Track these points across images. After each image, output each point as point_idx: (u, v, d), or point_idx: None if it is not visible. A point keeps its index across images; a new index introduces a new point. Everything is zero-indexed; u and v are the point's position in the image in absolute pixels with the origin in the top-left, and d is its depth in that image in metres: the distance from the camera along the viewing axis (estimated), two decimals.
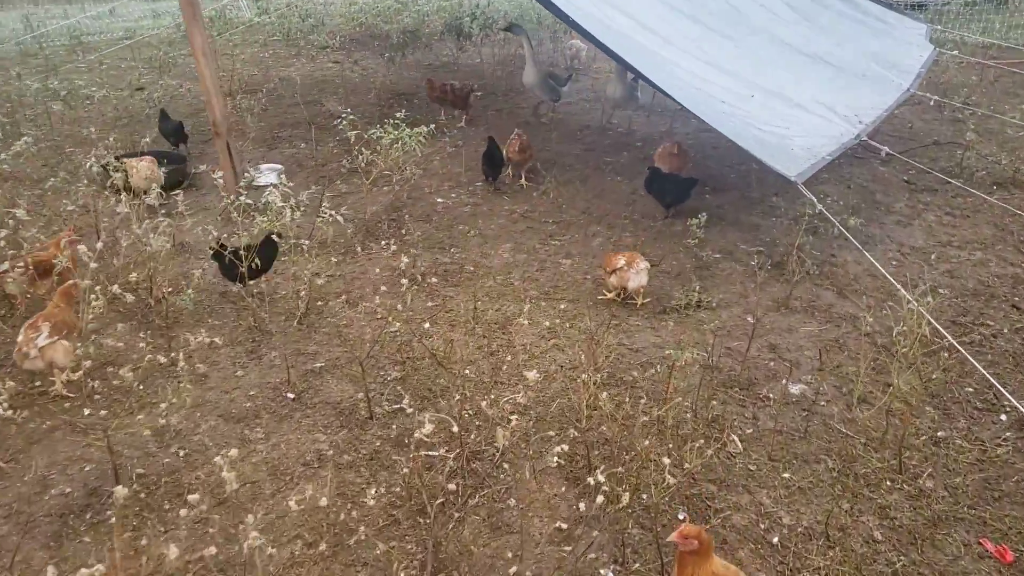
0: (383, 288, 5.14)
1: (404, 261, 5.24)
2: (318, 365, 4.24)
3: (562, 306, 5.06)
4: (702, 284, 5.40)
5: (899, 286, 4.22)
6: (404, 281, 4.33)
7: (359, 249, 5.69)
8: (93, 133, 7.22)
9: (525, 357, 4.43)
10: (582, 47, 11.46)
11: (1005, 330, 4.92)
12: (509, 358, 4.30)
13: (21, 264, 4.31)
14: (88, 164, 5.51)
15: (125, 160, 6.27)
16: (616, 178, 7.49)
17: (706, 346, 4.54)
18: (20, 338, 3.76)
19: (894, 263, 5.79)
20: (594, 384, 3.92)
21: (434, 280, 5.32)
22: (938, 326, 3.94)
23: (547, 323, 4.83)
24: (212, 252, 4.77)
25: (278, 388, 4.01)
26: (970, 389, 4.30)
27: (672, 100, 5.60)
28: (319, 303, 4.94)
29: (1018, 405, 3.89)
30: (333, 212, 4.43)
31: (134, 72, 10.78)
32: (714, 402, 4.08)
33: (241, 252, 4.38)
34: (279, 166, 7.17)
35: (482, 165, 7.07)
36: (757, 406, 4.08)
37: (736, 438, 3.55)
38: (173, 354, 4.15)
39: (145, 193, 6.17)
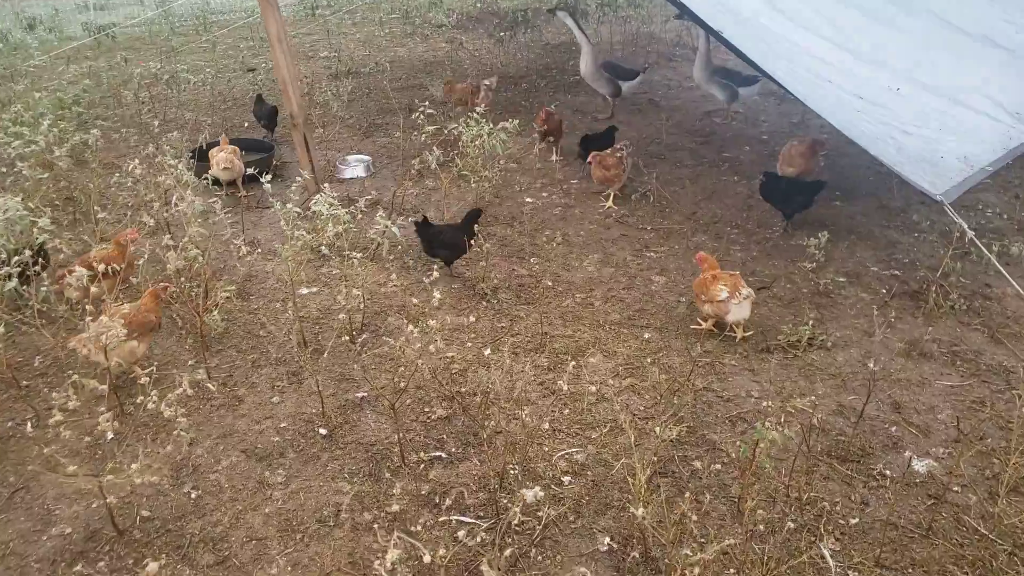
0: (448, 303, 4.72)
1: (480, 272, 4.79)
2: (360, 395, 3.88)
3: (646, 335, 4.43)
4: (818, 315, 4.59)
5: None
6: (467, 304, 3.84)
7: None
8: (185, 118, 7.24)
9: (593, 399, 3.86)
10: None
11: None
12: (574, 401, 3.76)
13: (81, 266, 4.23)
14: (155, 153, 5.31)
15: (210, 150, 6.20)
16: (733, 177, 6.67)
17: (813, 399, 3.79)
18: (91, 326, 3.50)
19: None
20: (668, 441, 3.34)
21: (506, 296, 4.83)
22: None
23: (625, 355, 4.23)
24: (415, 224, 4.80)
25: (312, 421, 3.68)
26: None
27: (794, 97, 4.77)
28: (378, 315, 4.59)
29: None
30: (389, 224, 4.02)
31: (250, 52, 10.91)
32: (814, 477, 3.36)
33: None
34: (367, 157, 6.89)
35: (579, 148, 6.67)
36: (869, 486, 3.31)
37: (827, 552, 2.84)
38: (209, 374, 3.94)
39: (226, 184, 6.13)
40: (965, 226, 3.99)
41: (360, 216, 4.28)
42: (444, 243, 4.87)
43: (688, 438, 3.59)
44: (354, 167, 6.70)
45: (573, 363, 3.98)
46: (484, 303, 4.74)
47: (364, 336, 4.39)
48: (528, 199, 6.26)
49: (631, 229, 5.78)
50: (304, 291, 4.84)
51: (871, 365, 4.05)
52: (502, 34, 10.92)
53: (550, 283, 4.98)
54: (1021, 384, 3.79)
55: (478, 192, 6.06)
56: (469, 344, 4.23)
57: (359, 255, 4.12)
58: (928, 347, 4.25)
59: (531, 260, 5.29)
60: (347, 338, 4.30)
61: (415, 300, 4.72)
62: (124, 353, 3.69)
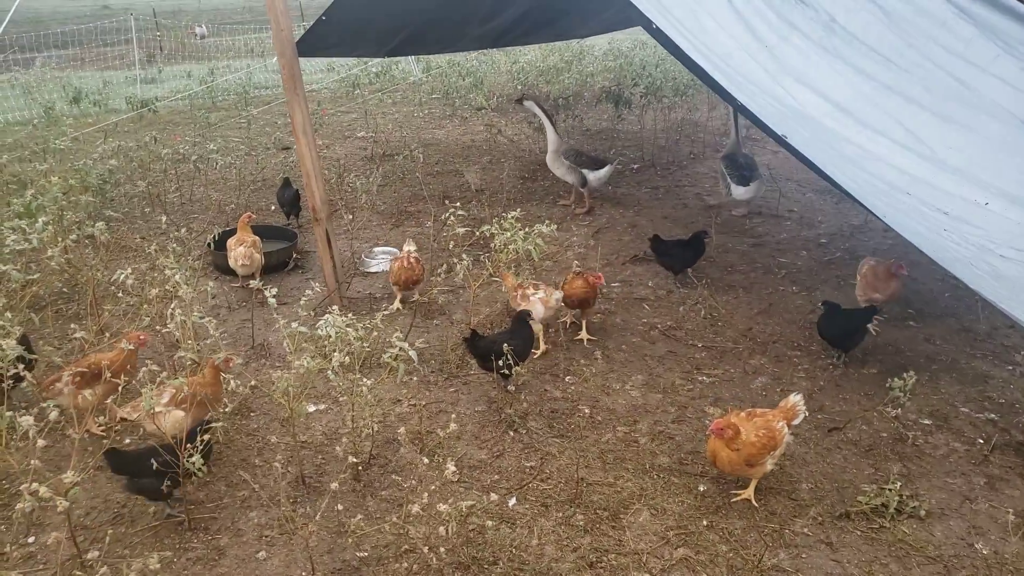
0: (469, 431, 4.13)
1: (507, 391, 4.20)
2: (361, 554, 3.26)
3: (702, 487, 3.76)
4: (904, 469, 3.90)
5: None
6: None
7: (454, 368, 4.74)
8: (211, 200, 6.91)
9: (638, 575, 3.19)
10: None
11: None
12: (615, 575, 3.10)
13: (77, 369, 3.78)
14: (156, 255, 4.85)
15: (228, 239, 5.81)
16: (791, 287, 6.05)
17: None
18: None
19: None
20: None
21: (536, 425, 4.22)
22: None
23: (676, 514, 3.56)
24: (464, 339, 4.40)
25: None
26: None
27: (877, 218, 4.20)
28: (389, 444, 4.01)
29: None
30: (406, 347, 3.49)
31: (286, 130, 10.76)
32: None
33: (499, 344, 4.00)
34: (395, 250, 6.45)
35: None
36: None
37: None
38: (189, 519, 3.37)
39: (243, 277, 5.71)
40: None
41: (376, 334, 3.77)
42: (499, 353, 4.16)
43: None
44: (381, 261, 6.26)
45: (612, 522, 3.34)
46: (512, 433, 4.14)
47: (371, 472, 3.80)
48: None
49: (679, 345, 5.18)
50: (311, 408, 4.30)
51: (979, 548, 3.34)
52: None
53: (587, 410, 4.37)
54: None
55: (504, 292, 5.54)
56: (491, 491, 3.61)
57: (369, 382, 3.56)
58: None
59: (566, 379, 4.70)
60: (355, 474, 3.72)
61: (434, 428, 4.14)
62: (170, 424, 3.59)
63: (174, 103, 12.71)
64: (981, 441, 4.11)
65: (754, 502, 3.62)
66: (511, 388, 4.47)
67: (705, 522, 3.52)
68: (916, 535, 3.44)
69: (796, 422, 3.65)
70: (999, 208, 4.90)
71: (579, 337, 5.14)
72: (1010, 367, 4.84)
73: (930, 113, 5.94)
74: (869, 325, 4.96)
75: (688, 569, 3.25)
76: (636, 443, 4.10)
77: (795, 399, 3.70)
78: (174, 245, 5.56)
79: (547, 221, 5.09)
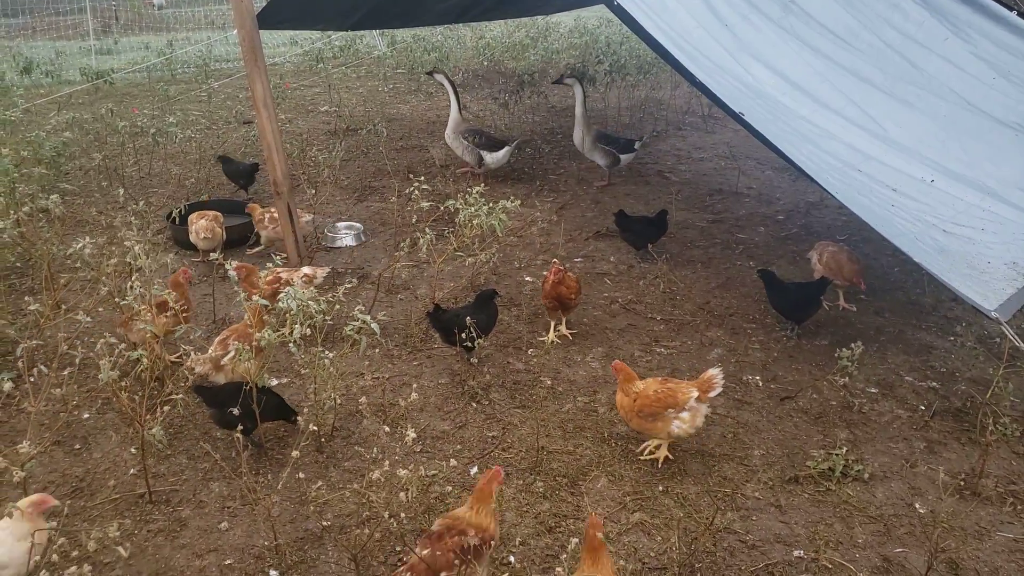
0: (432, 402, 4.19)
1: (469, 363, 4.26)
2: (324, 523, 3.32)
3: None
4: (851, 435, 4.06)
5: None
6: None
7: (417, 342, 4.79)
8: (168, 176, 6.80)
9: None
10: None
11: None
12: (574, 541, 3.20)
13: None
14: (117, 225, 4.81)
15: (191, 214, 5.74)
16: (748, 263, 6.19)
17: (855, 548, 3.24)
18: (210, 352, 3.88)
19: None
20: None
21: (499, 396, 4.30)
22: None
23: (633, 480, 3.67)
24: (428, 314, 4.44)
25: (262, 558, 3.11)
26: None
27: (825, 191, 4.33)
28: (352, 416, 4.05)
29: None
30: (369, 318, 3.52)
31: (247, 105, 10.58)
32: None
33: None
34: (358, 225, 6.44)
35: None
36: None
37: None
38: (150, 492, 3.39)
39: (205, 253, 5.66)
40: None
41: (338, 306, 3.79)
42: (462, 326, 4.20)
43: None
44: (344, 236, 6.25)
45: (571, 489, 3.44)
46: (474, 404, 4.21)
47: (334, 443, 3.84)
48: (528, 278, 5.78)
49: (639, 318, 5.29)
50: (274, 382, 4.32)
51: (918, 508, 3.52)
52: (507, 96, 10.65)
53: (549, 382, 4.45)
54: None
55: (474, 271, 5.59)
56: (453, 459, 3.68)
57: (331, 355, 3.59)
58: (983, 484, 3.69)
59: (528, 352, 4.78)
60: (317, 445, 3.76)
61: (397, 400, 4.18)
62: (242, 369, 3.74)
63: (131, 75, 12.39)
64: (923, 408, 4.30)
65: (660, 461, 3.74)
66: (474, 361, 4.53)
67: (660, 488, 3.64)
68: (859, 496, 3.61)
69: (712, 394, 3.64)
70: (944, 185, 5.07)
71: (554, 336, 4.90)
72: (952, 338, 5.03)
73: (882, 93, 6.09)
74: (822, 298, 5.12)
75: (643, 532, 3.37)
76: (595, 412, 4.21)
77: (713, 372, 3.67)
78: (132, 219, 5.48)
79: (511, 197, 5.13)
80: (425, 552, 2.70)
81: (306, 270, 4.75)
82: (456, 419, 4.07)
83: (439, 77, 7.92)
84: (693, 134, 9.79)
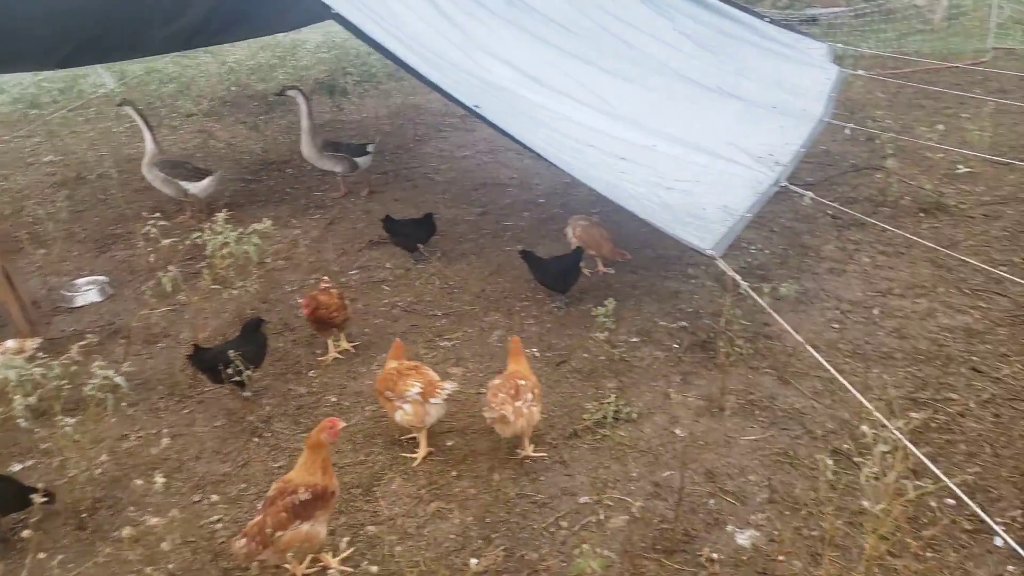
0: (210, 447, 3.96)
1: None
2: None
3: (449, 443, 3.98)
4: (619, 383, 4.43)
5: (874, 410, 3.30)
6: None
7: (186, 389, 4.50)
8: None
9: (395, 538, 3.31)
10: None
11: (972, 404, 4.12)
12: (371, 548, 3.19)
13: None
14: None
15: None
16: (517, 247, 6.49)
17: (630, 481, 3.55)
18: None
19: (835, 325, 4.97)
20: None
21: (282, 425, 4.16)
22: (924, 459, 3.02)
23: (427, 473, 3.74)
24: (188, 356, 4.22)
25: None
26: (952, 501, 3.42)
27: (561, 170, 4.67)
28: (118, 482, 3.72)
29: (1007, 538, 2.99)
30: (113, 373, 3.25)
31: None
32: None
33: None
34: (102, 278, 5.89)
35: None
36: None
37: None
38: None
39: None
40: (739, 279, 4.03)
41: (74, 367, 3.44)
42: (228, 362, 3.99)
43: (507, 565, 3.16)
44: (86, 292, 5.68)
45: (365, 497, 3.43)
46: (256, 439, 4.04)
47: (99, 516, 3.50)
48: (301, 300, 5.63)
49: (421, 317, 5.37)
50: (17, 467, 3.84)
51: (678, 432, 3.92)
52: (260, 118, 10.29)
53: (334, 399, 4.39)
54: (813, 427, 3.84)
55: (240, 302, 5.35)
56: (237, 498, 3.51)
57: (72, 420, 3.27)
58: (726, 400, 4.21)
59: (310, 374, 4.67)
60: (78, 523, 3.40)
61: (170, 455, 3.90)
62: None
63: None
64: (676, 346, 4.80)
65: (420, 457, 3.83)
66: (248, 395, 4.34)
67: (454, 472, 3.74)
68: (631, 435, 3.96)
69: (434, 400, 3.70)
70: (665, 148, 5.67)
71: (335, 353, 4.84)
72: (694, 281, 5.66)
73: (605, 72, 6.67)
74: (581, 266, 5.51)
75: (442, 519, 3.44)
76: (384, 418, 4.21)
77: (446, 385, 3.75)
78: None
79: (264, 219, 4.97)
80: (258, 518, 2.91)
81: (10, 343, 4.24)
82: (237, 459, 3.89)
83: (128, 110, 7.25)
84: (454, 134, 10.06)
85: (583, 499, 3.49)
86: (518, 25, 6.85)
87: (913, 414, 2.88)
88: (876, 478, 2.81)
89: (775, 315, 3.96)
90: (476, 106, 5.01)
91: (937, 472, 2.95)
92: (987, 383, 4.30)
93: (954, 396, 4.20)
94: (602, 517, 3.24)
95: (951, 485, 2.90)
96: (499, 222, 7.08)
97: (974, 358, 4.53)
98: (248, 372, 4.00)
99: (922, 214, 6.48)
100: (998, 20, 11.91)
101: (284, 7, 8.62)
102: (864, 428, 2.84)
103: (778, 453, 3.78)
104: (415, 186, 8.17)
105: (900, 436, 2.84)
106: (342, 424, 3.07)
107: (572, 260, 5.36)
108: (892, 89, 9.71)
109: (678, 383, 4.40)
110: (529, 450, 3.80)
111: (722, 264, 4.09)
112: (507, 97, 5.74)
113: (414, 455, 3.83)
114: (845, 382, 3.46)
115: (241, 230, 4.65)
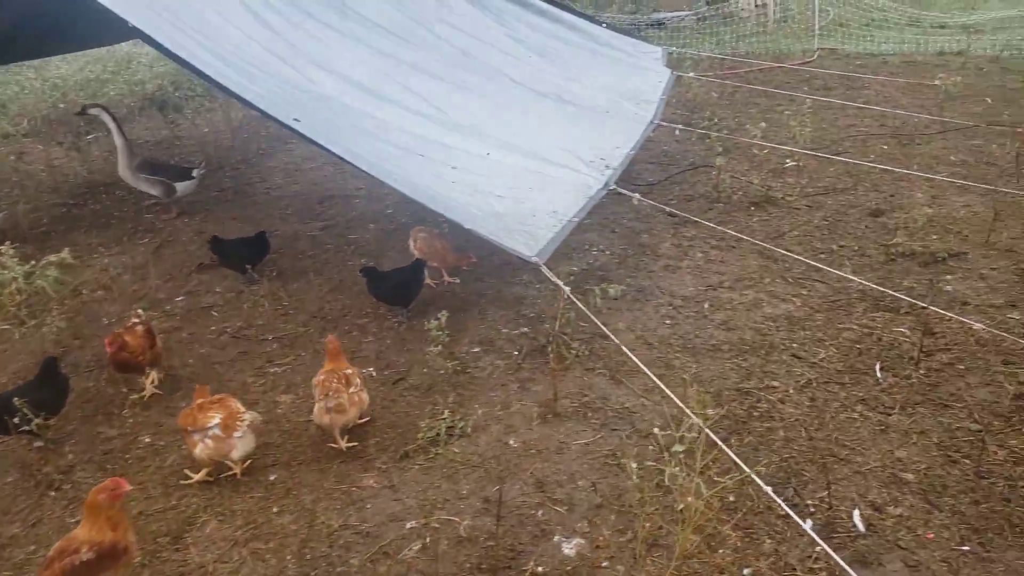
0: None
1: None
2: None
3: (272, 477, 3.76)
4: (457, 397, 4.35)
5: (681, 404, 3.38)
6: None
7: None
8: None
9: None
10: None
11: (791, 390, 4.33)
12: None
13: None
14: None
15: None
16: (360, 261, 6.29)
17: (459, 499, 3.46)
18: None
19: (667, 321, 5.11)
20: None
21: (86, 474, 3.79)
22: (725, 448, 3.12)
23: (244, 512, 3.50)
24: None
25: None
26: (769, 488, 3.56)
27: (379, 180, 4.54)
28: None
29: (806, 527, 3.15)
30: None
31: None
32: None
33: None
34: None
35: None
36: None
37: None
38: None
39: None
40: (560, 283, 4.05)
41: None
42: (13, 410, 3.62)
43: None
44: None
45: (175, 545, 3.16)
46: (53, 493, 3.66)
47: None
48: (106, 339, 5.19)
49: (251, 343, 5.08)
50: None
51: (511, 442, 3.89)
52: (88, 138, 9.53)
53: (148, 439, 4.06)
54: (641, 425, 3.91)
55: (47, 340, 4.87)
56: (23, 564, 3.15)
57: None
58: (561, 405, 4.22)
59: (124, 415, 4.30)
60: None
61: None
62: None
63: None
64: (516, 353, 4.77)
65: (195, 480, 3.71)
66: (41, 444, 3.93)
67: (275, 508, 3.53)
68: (464, 450, 3.88)
69: (236, 435, 3.59)
70: (499, 156, 5.66)
71: (151, 389, 4.49)
72: (538, 285, 5.67)
73: (441, 81, 6.60)
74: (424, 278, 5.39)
75: (259, 560, 3.23)
76: None
77: (246, 417, 3.65)
78: None
79: (66, 248, 4.54)
80: None
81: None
82: (28, 518, 3.50)
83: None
84: (301, 146, 9.63)
85: (410, 524, 3.38)
86: (351, 36, 6.68)
87: (715, 410, 2.95)
88: (687, 473, 2.88)
89: (593, 317, 4.01)
90: (295, 120, 4.79)
91: (739, 462, 3.05)
92: (805, 368, 4.52)
93: (776, 384, 4.39)
94: (427, 541, 3.14)
95: (753, 476, 3.00)
96: (343, 236, 6.85)
97: (794, 345, 4.77)
98: (37, 420, 3.61)
99: (753, 208, 6.82)
100: (822, 23, 12.90)
101: (98, 22, 8.01)
102: (687, 423, 2.90)
103: (607, 455, 3.81)
104: (255, 203, 7.80)
105: (704, 427, 2.92)
106: (127, 487, 2.80)
107: (411, 272, 5.25)
108: (728, 89, 10.26)
109: (516, 391, 4.37)
110: (343, 444, 3.86)
111: (545, 270, 4.10)
112: (334, 108, 5.56)
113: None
114: (653, 376, 3.54)
115: (33, 263, 4.21)
